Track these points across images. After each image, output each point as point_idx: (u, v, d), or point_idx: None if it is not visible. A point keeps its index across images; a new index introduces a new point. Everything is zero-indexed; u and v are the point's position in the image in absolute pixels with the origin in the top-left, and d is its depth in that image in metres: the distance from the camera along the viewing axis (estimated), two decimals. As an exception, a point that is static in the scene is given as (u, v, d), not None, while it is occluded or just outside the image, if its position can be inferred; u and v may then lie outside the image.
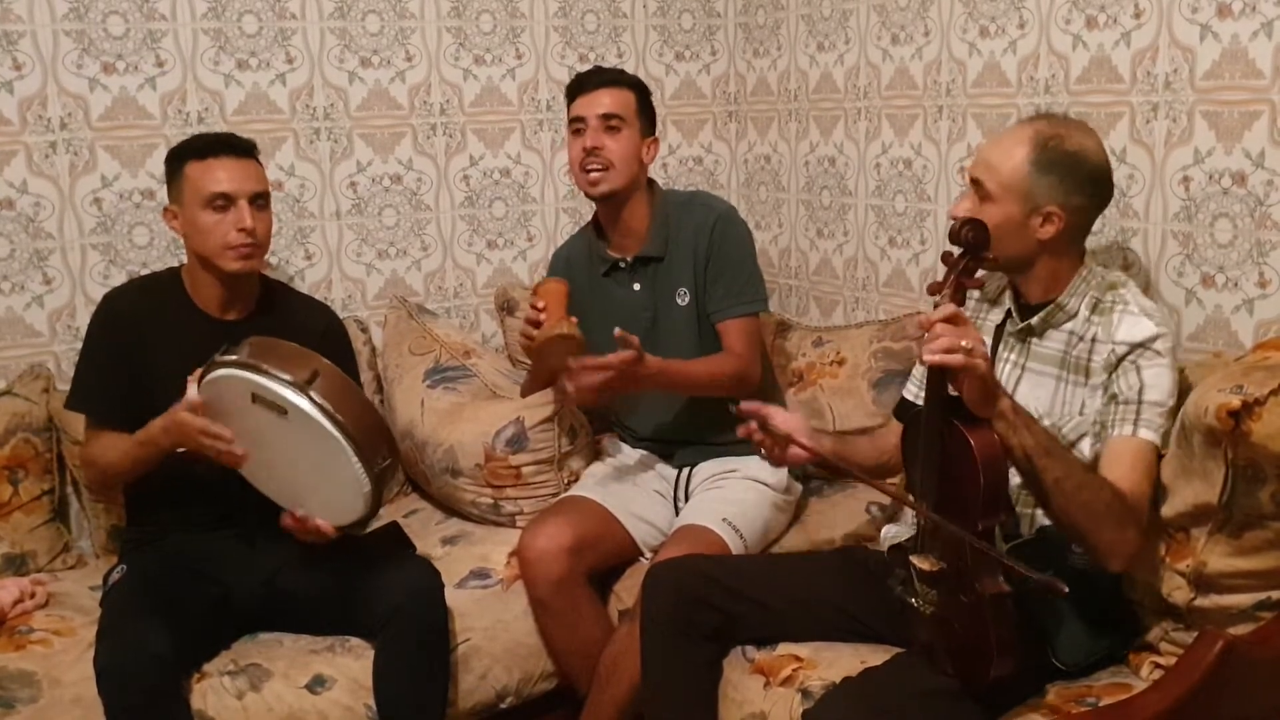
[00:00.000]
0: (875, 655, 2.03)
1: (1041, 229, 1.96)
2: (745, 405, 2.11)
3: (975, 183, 2.00)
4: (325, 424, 2.06)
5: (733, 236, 2.63)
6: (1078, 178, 1.96)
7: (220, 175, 2.30)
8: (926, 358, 1.77)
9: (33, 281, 2.81)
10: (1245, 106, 2.19)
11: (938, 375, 1.81)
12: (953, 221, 1.93)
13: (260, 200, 2.35)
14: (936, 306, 1.80)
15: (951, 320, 1.77)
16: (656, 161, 2.72)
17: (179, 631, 2.10)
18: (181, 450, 2.23)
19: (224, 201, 2.29)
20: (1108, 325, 1.96)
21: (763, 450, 2.12)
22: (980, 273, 1.87)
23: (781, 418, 2.11)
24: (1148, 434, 1.88)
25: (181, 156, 2.35)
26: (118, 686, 2.02)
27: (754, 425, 2.10)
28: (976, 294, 2.24)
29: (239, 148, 2.36)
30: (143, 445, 2.24)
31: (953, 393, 1.80)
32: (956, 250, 1.86)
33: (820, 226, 3.35)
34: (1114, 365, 1.93)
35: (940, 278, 1.87)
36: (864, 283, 3.21)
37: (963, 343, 1.73)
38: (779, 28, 3.40)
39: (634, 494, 2.67)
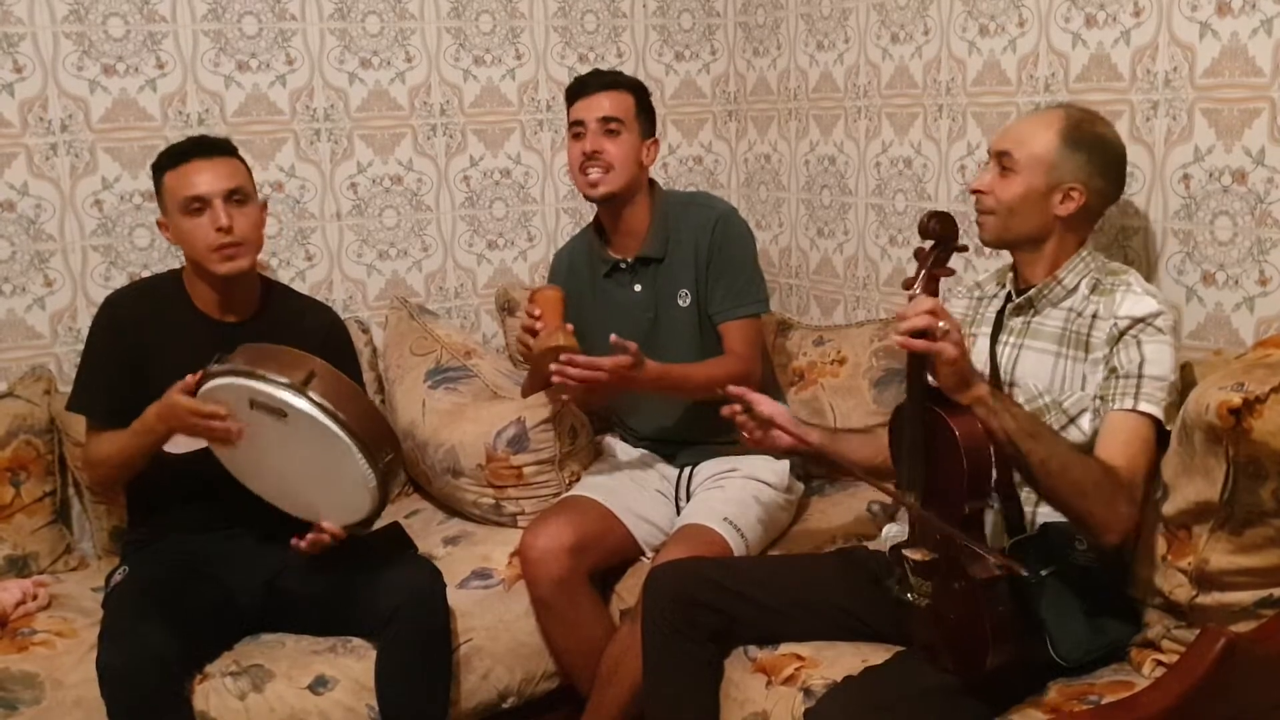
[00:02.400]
0: (877, 654, 2.03)
1: (1061, 205, 2.02)
2: (732, 389, 2.19)
3: (1001, 155, 2.05)
4: (326, 422, 2.06)
5: (734, 237, 2.63)
6: (1103, 160, 2.04)
7: (193, 179, 2.28)
8: (894, 338, 1.83)
9: (34, 283, 2.81)
10: (1245, 104, 2.19)
11: (918, 365, 1.85)
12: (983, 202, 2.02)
13: (237, 196, 2.31)
14: (911, 300, 1.84)
15: (928, 312, 1.80)
16: (657, 161, 2.72)
17: (181, 632, 2.10)
18: (176, 451, 2.23)
19: (199, 204, 2.27)
20: (1110, 303, 1.99)
21: (744, 433, 2.20)
22: (951, 263, 1.91)
23: (766, 404, 2.19)
24: (1148, 407, 1.90)
25: (160, 169, 2.34)
26: (120, 688, 2.02)
27: (738, 407, 2.18)
28: (978, 288, 2.26)
29: (210, 148, 2.33)
30: (138, 434, 2.24)
31: (933, 381, 1.84)
32: (927, 244, 1.89)
33: (820, 226, 3.35)
34: (1115, 339, 1.95)
35: (912, 273, 1.90)
36: (864, 282, 3.21)
37: (940, 324, 1.78)
38: (779, 27, 3.40)
39: (635, 494, 2.67)
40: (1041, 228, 2.04)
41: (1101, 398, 1.96)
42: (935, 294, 1.86)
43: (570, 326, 2.41)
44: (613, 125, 2.57)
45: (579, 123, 2.60)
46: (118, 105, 2.84)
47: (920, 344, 1.79)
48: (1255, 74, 2.17)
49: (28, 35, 2.72)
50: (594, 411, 2.87)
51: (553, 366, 2.37)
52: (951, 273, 1.91)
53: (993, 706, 1.87)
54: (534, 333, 2.42)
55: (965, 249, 1.93)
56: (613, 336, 2.36)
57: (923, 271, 1.87)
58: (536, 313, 2.42)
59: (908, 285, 1.88)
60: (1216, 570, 1.84)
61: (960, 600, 1.82)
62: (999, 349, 2.12)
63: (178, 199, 2.29)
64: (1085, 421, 1.98)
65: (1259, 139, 2.18)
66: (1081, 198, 2.01)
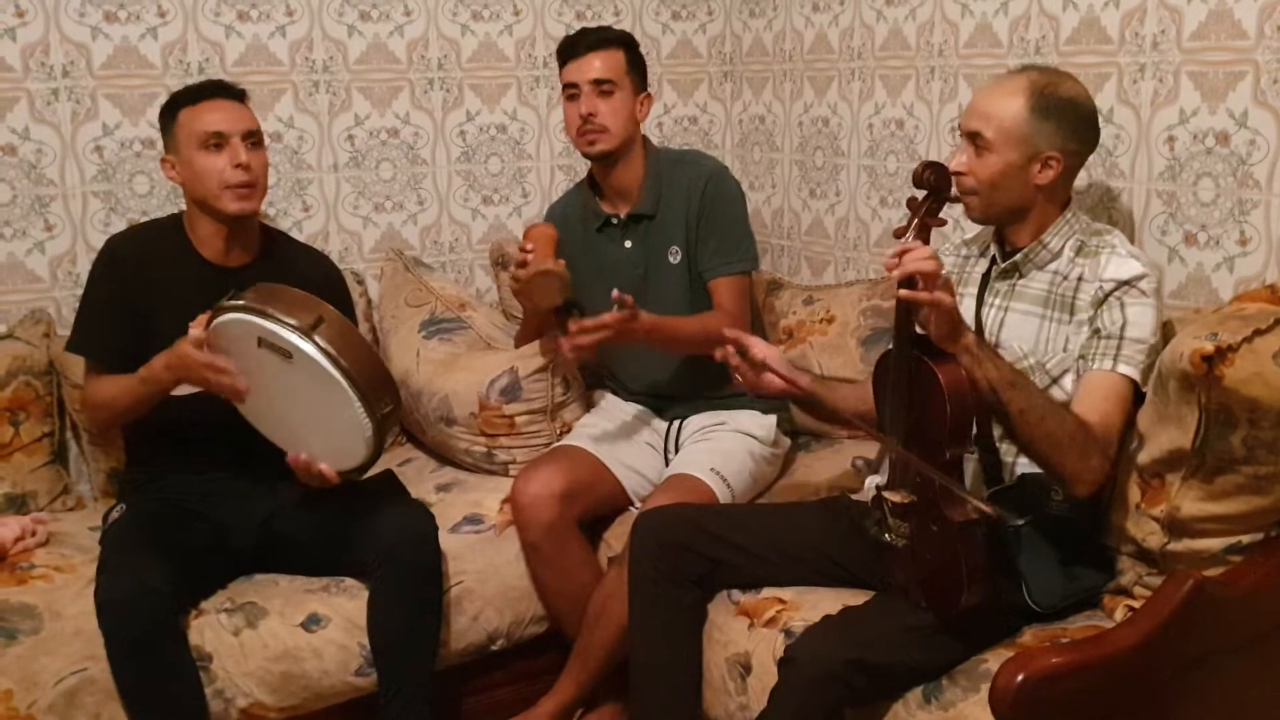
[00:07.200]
0: (857, 599, 2.08)
1: (1040, 175, 2.03)
2: (728, 332, 2.19)
3: (973, 135, 2.04)
4: (329, 369, 2.09)
5: (724, 195, 2.67)
6: (1074, 123, 2.03)
7: (213, 116, 2.34)
8: (901, 293, 1.83)
9: (34, 228, 2.83)
10: (1230, 67, 2.23)
11: (905, 314, 1.88)
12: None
13: (253, 138, 2.37)
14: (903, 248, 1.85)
15: (931, 259, 1.82)
16: (652, 121, 2.75)
17: (178, 567, 2.14)
18: (182, 394, 2.26)
19: (218, 140, 2.32)
20: (1095, 265, 2.02)
21: (738, 375, 2.19)
22: (942, 213, 1.93)
23: (760, 347, 2.19)
24: (1126, 369, 1.93)
25: (175, 105, 2.39)
26: (118, 619, 2.06)
27: (731, 349, 2.17)
28: (964, 247, 2.29)
29: (229, 91, 2.40)
30: (144, 382, 2.26)
31: (919, 330, 1.87)
32: (920, 193, 1.91)
33: (813, 187, 3.38)
34: (1100, 301, 1.98)
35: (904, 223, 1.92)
36: (855, 242, 3.24)
37: (932, 272, 1.79)
38: (775, -11, 3.43)
39: (625, 445, 2.71)
40: (1024, 199, 2.05)
41: (1082, 357, 1.99)
42: (927, 243, 1.88)
43: (561, 261, 2.44)
44: (606, 86, 2.60)
45: (572, 85, 2.63)
46: (119, 52, 2.85)
47: (924, 295, 1.80)
48: (1240, 37, 2.20)
49: (30, -20, 2.74)
50: (585, 365, 2.90)
51: (567, 343, 2.40)
52: (944, 223, 1.94)
53: (967, 647, 1.92)
54: (526, 267, 2.45)
55: (959, 200, 1.96)
56: (615, 292, 2.39)
57: (915, 219, 1.89)
58: (529, 247, 2.45)
59: (900, 233, 1.89)
60: (1188, 517, 1.88)
61: (938, 542, 1.87)
62: (985, 311, 2.15)
63: (195, 134, 2.32)
64: (1068, 382, 2.02)
65: (1242, 101, 2.21)
66: (1059, 165, 2.02)
